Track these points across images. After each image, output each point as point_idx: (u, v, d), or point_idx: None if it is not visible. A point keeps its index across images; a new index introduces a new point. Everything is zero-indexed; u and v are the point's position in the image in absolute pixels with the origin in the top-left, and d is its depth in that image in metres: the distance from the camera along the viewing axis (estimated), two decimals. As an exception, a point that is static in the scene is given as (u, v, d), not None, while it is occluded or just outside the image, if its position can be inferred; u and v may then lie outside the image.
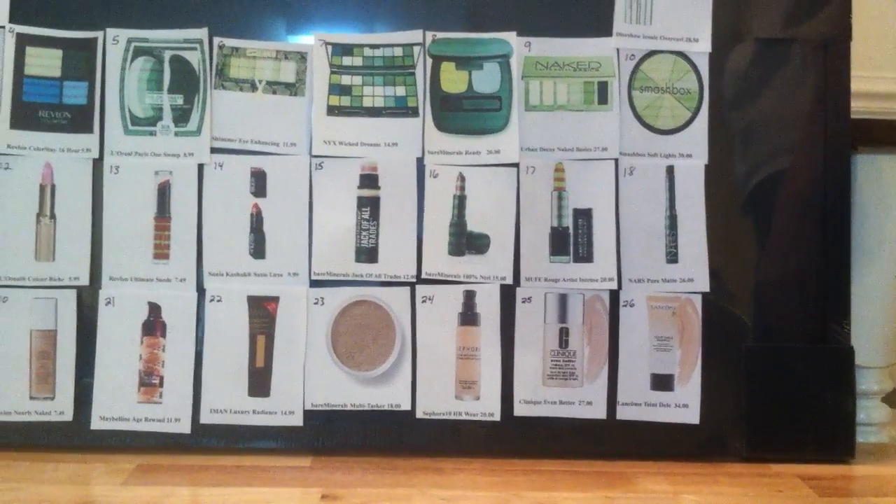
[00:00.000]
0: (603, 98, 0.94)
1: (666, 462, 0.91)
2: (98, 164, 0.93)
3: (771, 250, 0.94)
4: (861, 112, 0.97)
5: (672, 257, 0.93)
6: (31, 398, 0.91)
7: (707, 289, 0.93)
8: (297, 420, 0.92)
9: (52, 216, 0.92)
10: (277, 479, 0.85)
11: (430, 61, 0.94)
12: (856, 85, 0.94)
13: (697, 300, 0.93)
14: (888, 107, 1.04)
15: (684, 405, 0.93)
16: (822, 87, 0.95)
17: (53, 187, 0.92)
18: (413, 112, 0.93)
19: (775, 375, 0.93)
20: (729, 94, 0.94)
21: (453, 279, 0.93)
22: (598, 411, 0.93)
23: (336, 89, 0.94)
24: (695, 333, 0.93)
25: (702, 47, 0.94)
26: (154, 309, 0.92)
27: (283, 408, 0.92)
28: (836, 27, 0.95)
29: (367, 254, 0.93)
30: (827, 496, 0.83)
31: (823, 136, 0.95)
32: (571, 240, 0.93)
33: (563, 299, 0.93)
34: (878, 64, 1.04)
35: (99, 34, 0.93)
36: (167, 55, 0.93)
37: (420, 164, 0.93)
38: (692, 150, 0.94)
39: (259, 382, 0.92)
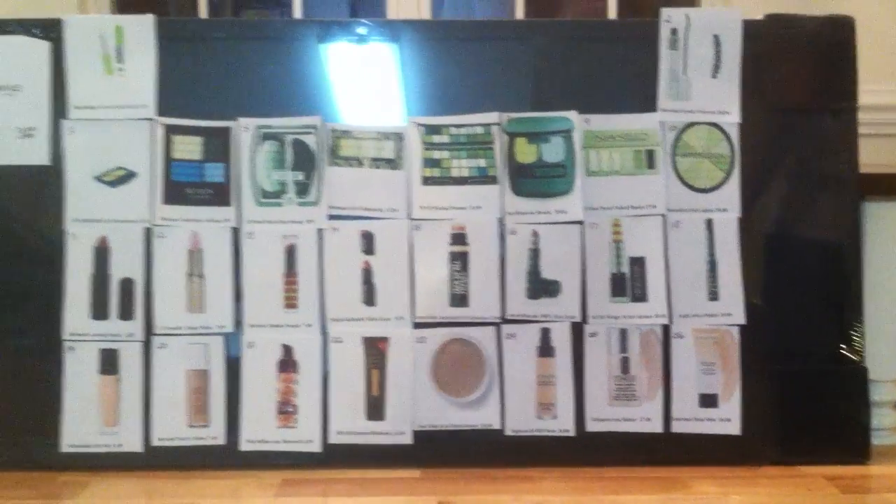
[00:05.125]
0: (651, 163, 1.10)
1: (714, 467, 1.06)
2: (236, 231, 1.09)
3: (797, 287, 1.10)
4: (868, 123, 1.11)
5: (713, 296, 1.09)
6: (190, 426, 1.08)
7: (743, 321, 1.09)
8: (408, 439, 1.08)
9: (201, 275, 1.09)
10: (396, 489, 1.02)
11: (505, 137, 1.10)
12: (863, 98, 1.09)
13: (735, 331, 1.09)
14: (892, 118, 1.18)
15: (727, 419, 1.08)
16: (834, 147, 1.11)
17: (200, 251, 1.09)
18: (493, 180, 1.10)
19: (803, 392, 1.09)
20: (757, 157, 1.10)
21: (531, 319, 1.09)
22: (656, 426, 1.08)
23: (429, 162, 1.10)
24: (734, 359, 1.09)
25: (732, 119, 1.10)
26: (287, 350, 1.08)
27: (396, 429, 1.08)
28: (845, 97, 1.11)
29: (460, 300, 1.09)
30: (849, 493, 0.99)
31: (836, 188, 1.11)
32: (629, 283, 1.09)
33: (623, 333, 1.09)
34: (885, 75, 1.19)
35: (232, 124, 1.09)
36: (289, 139, 1.09)
37: (501, 223, 1.09)
38: (727, 205, 1.10)
39: (375, 408, 1.08)
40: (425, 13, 2.25)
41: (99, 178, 1.09)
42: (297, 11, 2.36)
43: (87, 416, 1.08)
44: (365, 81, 1.11)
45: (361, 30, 1.10)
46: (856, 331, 1.09)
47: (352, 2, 2.98)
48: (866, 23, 1.12)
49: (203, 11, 2.38)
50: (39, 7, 2.20)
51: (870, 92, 1.15)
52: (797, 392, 1.09)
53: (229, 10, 2.75)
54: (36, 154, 1.09)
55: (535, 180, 1.09)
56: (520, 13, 2.28)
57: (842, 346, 1.09)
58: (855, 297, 1.10)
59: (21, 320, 1.10)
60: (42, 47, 1.09)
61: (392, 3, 2.24)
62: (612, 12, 2.30)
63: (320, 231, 1.09)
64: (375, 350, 1.08)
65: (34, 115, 1.09)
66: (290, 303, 1.09)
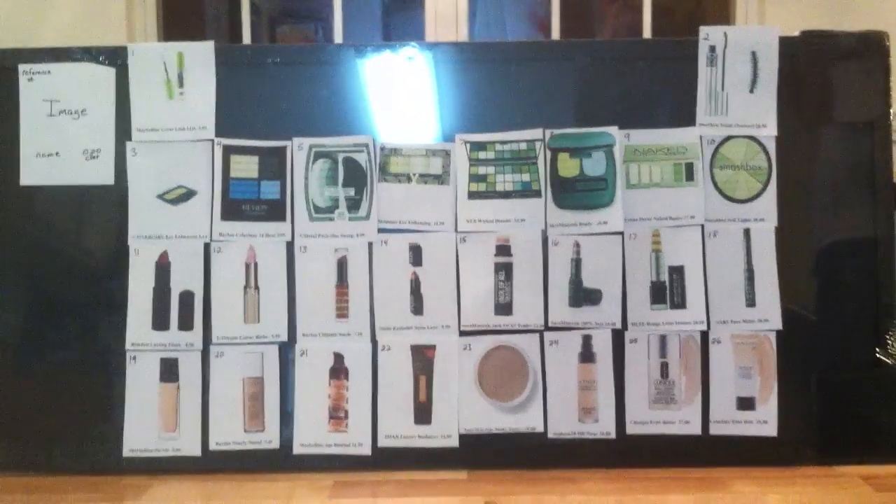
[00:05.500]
0: (690, 176, 1.13)
1: (751, 468, 1.09)
2: (290, 245, 1.14)
3: (832, 294, 1.12)
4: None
5: (750, 302, 1.12)
6: (246, 431, 1.13)
7: (780, 327, 1.12)
8: (454, 442, 1.12)
9: (256, 288, 1.14)
10: (444, 490, 1.06)
11: (548, 152, 1.13)
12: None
13: (772, 336, 1.12)
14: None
15: (764, 421, 1.11)
16: (869, 158, 1.14)
17: (256, 265, 1.14)
18: (537, 194, 1.13)
19: (838, 395, 1.11)
20: (793, 169, 1.13)
21: (573, 326, 1.12)
22: (695, 428, 1.11)
23: (474, 178, 1.14)
24: (771, 363, 1.12)
25: (769, 132, 1.13)
26: (338, 358, 1.13)
27: (442, 433, 1.12)
28: (879, 109, 1.14)
29: (504, 308, 1.13)
30: (882, 491, 1.02)
31: (871, 197, 1.14)
32: (668, 291, 1.13)
33: (663, 339, 1.12)
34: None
35: (287, 143, 1.14)
36: (341, 157, 1.14)
37: (544, 235, 1.13)
38: (764, 215, 1.13)
39: (422, 413, 1.12)
40: (462, 27, 2.31)
41: (160, 197, 1.14)
42: (338, 27, 2.42)
43: (147, 423, 1.13)
44: (412, 101, 1.15)
45: (410, 52, 1.14)
46: (890, 335, 1.12)
47: (385, 18, 3.04)
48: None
49: (246, 29, 2.45)
50: (89, 28, 2.29)
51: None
52: (833, 395, 1.11)
53: (265, 27, 2.83)
54: (101, 174, 1.15)
55: (578, 194, 1.13)
56: (555, 26, 2.32)
57: (877, 349, 1.11)
58: (889, 302, 1.12)
59: (87, 331, 1.15)
60: (107, 73, 1.14)
61: (430, 20, 2.29)
62: (647, 22, 2.34)
63: (370, 244, 1.13)
64: (423, 357, 1.12)
65: (99, 137, 1.14)
66: (342, 313, 1.13)
